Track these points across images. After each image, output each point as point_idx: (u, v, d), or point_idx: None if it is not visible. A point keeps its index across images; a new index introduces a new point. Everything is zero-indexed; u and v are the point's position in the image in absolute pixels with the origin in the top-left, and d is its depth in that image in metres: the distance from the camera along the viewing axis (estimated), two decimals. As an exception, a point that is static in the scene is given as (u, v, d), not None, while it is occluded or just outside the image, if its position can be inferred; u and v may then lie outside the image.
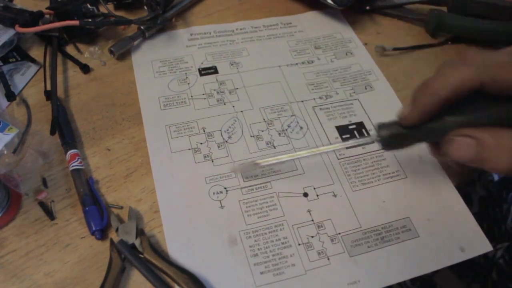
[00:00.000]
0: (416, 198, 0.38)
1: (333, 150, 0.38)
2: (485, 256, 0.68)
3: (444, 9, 0.54)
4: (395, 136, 0.33)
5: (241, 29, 0.54)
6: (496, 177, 0.77)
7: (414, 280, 0.73)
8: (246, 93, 0.46)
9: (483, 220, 0.73)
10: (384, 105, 0.46)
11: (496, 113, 0.29)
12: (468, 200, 0.76)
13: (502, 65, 0.28)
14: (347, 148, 0.41)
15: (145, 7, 0.53)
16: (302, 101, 0.46)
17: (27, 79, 0.47)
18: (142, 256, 0.33)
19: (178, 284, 0.32)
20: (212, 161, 0.40)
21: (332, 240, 0.36)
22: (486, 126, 0.29)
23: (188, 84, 0.47)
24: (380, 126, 0.33)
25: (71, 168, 0.38)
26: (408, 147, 0.33)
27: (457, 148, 0.30)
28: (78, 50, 0.50)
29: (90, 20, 0.48)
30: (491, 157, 0.28)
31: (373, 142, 0.34)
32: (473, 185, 0.77)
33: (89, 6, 0.50)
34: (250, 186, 0.38)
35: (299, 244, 0.35)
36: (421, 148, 0.42)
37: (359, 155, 0.41)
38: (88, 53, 0.49)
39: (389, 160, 0.41)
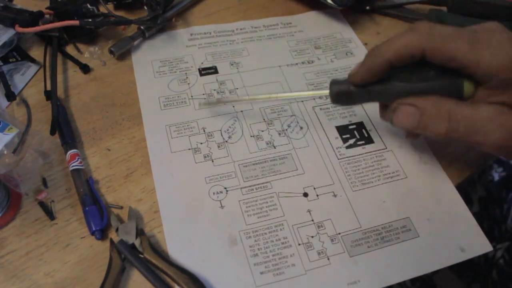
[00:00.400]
0: (416, 198, 0.38)
1: (300, 97, 0.42)
2: (485, 256, 0.68)
3: (444, 9, 0.54)
4: (344, 93, 0.35)
5: (241, 29, 0.54)
6: (496, 177, 0.77)
7: (414, 280, 0.73)
8: (246, 93, 0.46)
9: (483, 220, 0.73)
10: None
11: (439, 83, 0.32)
12: (468, 200, 0.76)
13: (445, 36, 0.30)
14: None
15: (145, 7, 0.53)
16: (302, 101, 0.46)
17: (27, 79, 0.47)
18: (142, 256, 0.33)
19: (178, 284, 0.32)
20: (212, 161, 0.40)
21: (332, 240, 0.36)
22: (429, 95, 0.32)
23: (188, 84, 0.47)
24: (332, 83, 0.36)
25: (71, 168, 0.38)
26: (357, 105, 0.36)
27: (401, 115, 0.33)
28: (78, 50, 0.50)
29: (90, 20, 0.48)
30: (431, 124, 0.31)
31: (326, 96, 0.36)
32: (473, 185, 0.77)
33: (89, 6, 0.50)
34: (250, 186, 0.38)
35: (299, 244, 0.35)
36: (421, 148, 0.42)
37: (359, 155, 0.41)
38: (88, 53, 0.49)
39: (389, 160, 0.41)
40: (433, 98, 0.31)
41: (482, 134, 0.30)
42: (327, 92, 0.36)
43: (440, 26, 0.31)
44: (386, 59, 0.32)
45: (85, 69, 0.47)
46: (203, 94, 0.46)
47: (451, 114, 0.31)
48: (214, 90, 0.46)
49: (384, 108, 0.37)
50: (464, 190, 0.75)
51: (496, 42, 0.29)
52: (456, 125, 0.31)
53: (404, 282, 0.71)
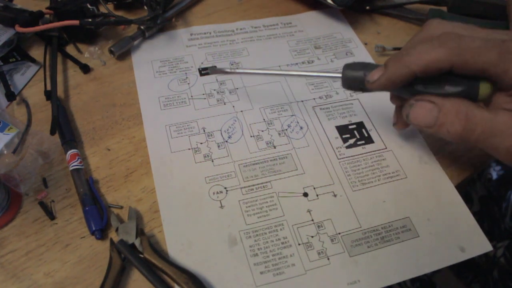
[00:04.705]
0: (416, 198, 0.38)
1: (301, 75, 0.41)
2: (486, 255, 0.68)
3: (444, 9, 0.54)
4: (357, 80, 0.35)
5: (241, 29, 0.54)
6: (494, 176, 0.77)
7: (414, 280, 0.74)
8: (246, 93, 0.46)
9: (484, 219, 0.73)
10: (384, 105, 0.45)
11: (459, 88, 0.31)
12: (468, 199, 0.76)
13: (474, 50, 0.30)
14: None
15: (145, 7, 0.53)
16: (302, 101, 0.46)
17: (27, 79, 0.47)
18: (142, 256, 0.33)
19: (178, 284, 0.32)
20: (212, 161, 0.40)
21: (332, 240, 0.36)
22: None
23: (188, 84, 0.47)
24: (347, 66, 0.36)
25: (71, 168, 0.38)
26: (368, 92, 0.36)
27: (419, 111, 0.32)
28: (78, 50, 0.50)
29: (90, 20, 0.48)
30: (448, 123, 0.31)
31: (337, 78, 0.37)
32: (473, 184, 0.77)
33: (89, 6, 0.50)
34: (250, 186, 0.38)
35: (299, 244, 0.35)
36: (421, 148, 0.42)
37: (359, 155, 0.41)
38: (88, 53, 0.49)
39: (389, 160, 0.41)
40: (452, 98, 0.31)
41: (498, 138, 0.30)
42: (334, 74, 0.37)
43: (469, 39, 0.30)
44: (412, 71, 0.31)
45: (85, 69, 0.47)
46: (203, 94, 0.46)
47: (469, 115, 0.31)
48: (214, 90, 0.46)
49: (399, 109, 0.37)
50: (464, 189, 0.76)
51: None
52: (474, 126, 0.30)
53: (404, 282, 0.72)
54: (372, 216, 0.37)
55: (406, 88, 0.33)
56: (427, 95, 0.32)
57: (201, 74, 0.48)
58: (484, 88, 0.31)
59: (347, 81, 0.36)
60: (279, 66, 0.49)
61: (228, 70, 0.44)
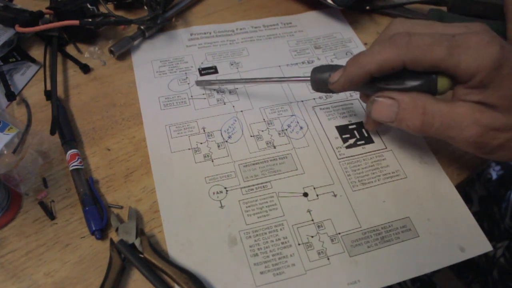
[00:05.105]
0: (416, 198, 0.38)
1: (273, 81, 0.45)
2: (485, 255, 0.68)
3: (444, 9, 0.54)
4: (324, 82, 0.37)
5: (241, 29, 0.54)
6: (494, 176, 0.77)
7: (414, 280, 0.74)
8: (246, 93, 0.46)
9: (483, 219, 0.73)
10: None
11: (418, 82, 0.33)
12: (468, 199, 0.76)
13: (422, 47, 0.31)
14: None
15: (145, 7, 0.53)
16: (302, 101, 0.46)
17: (27, 79, 0.47)
18: (142, 256, 0.33)
19: (178, 284, 0.32)
20: (212, 161, 0.40)
21: (332, 240, 0.36)
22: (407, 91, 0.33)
23: (188, 84, 0.47)
24: (314, 69, 0.38)
25: (71, 168, 0.38)
26: (335, 93, 0.39)
27: (380, 107, 0.34)
28: (78, 50, 0.50)
29: (90, 20, 0.48)
30: (407, 117, 0.33)
31: (307, 82, 0.39)
32: (473, 184, 0.77)
33: (89, 6, 0.50)
34: (250, 186, 0.38)
35: (299, 244, 0.35)
36: (421, 148, 0.42)
37: (359, 155, 0.41)
38: (88, 53, 0.49)
39: (389, 160, 0.41)
40: (411, 93, 0.33)
41: (456, 129, 0.32)
42: (304, 78, 0.39)
43: (418, 37, 0.31)
44: (367, 71, 0.33)
45: (85, 69, 0.47)
46: (203, 94, 0.46)
47: (427, 109, 0.32)
48: (214, 90, 0.46)
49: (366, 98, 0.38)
50: (464, 189, 0.76)
51: (473, 44, 0.30)
52: (432, 119, 0.32)
53: (405, 282, 0.72)
54: (372, 216, 0.37)
55: (369, 86, 0.34)
56: (387, 91, 0.34)
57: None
58: (442, 82, 0.32)
59: (315, 84, 0.38)
60: (279, 66, 0.49)
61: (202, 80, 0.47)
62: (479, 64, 0.30)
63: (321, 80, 0.37)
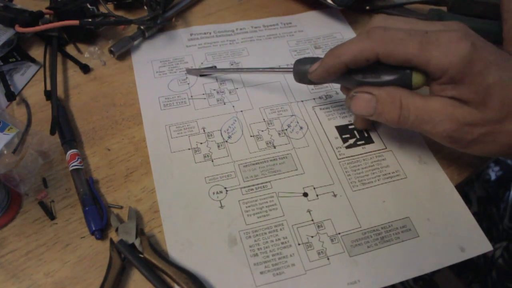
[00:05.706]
0: (416, 198, 0.38)
1: (258, 71, 0.46)
2: (484, 255, 0.68)
3: (444, 9, 0.54)
4: (304, 73, 0.38)
5: (241, 29, 0.54)
6: (493, 176, 0.77)
7: (416, 279, 0.74)
8: (246, 93, 0.46)
9: (482, 220, 0.73)
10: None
11: (393, 76, 0.34)
12: (467, 200, 0.76)
13: (396, 41, 0.32)
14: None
15: (145, 7, 0.53)
16: (302, 101, 0.46)
17: (27, 79, 0.47)
18: (142, 256, 0.33)
19: (178, 284, 0.32)
20: (212, 161, 0.40)
21: (332, 240, 0.36)
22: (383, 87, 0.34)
23: (188, 84, 0.47)
24: (297, 62, 0.39)
25: (71, 168, 0.38)
26: (315, 84, 0.41)
27: (359, 102, 0.35)
28: (78, 50, 0.50)
29: (90, 20, 0.48)
30: (385, 111, 0.34)
31: (290, 73, 0.40)
32: (471, 185, 0.77)
33: (89, 6, 0.50)
34: (250, 186, 0.39)
35: (299, 244, 0.35)
36: (421, 148, 0.42)
37: (359, 155, 0.41)
38: (88, 53, 0.49)
39: (389, 160, 0.41)
40: (388, 87, 0.34)
41: (430, 123, 0.33)
42: (287, 69, 0.41)
43: (393, 31, 0.32)
44: (342, 61, 0.34)
45: (85, 69, 0.47)
46: (203, 94, 0.46)
47: (403, 103, 0.33)
48: (214, 90, 0.46)
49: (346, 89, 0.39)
50: (463, 190, 0.76)
51: (445, 41, 0.30)
52: (408, 113, 0.33)
53: (407, 281, 0.72)
54: (372, 216, 0.37)
55: (347, 78, 0.36)
56: (366, 86, 0.35)
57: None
58: (417, 77, 0.33)
59: (297, 75, 0.39)
60: (279, 66, 0.49)
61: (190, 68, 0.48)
62: (449, 60, 0.30)
63: (303, 71, 0.38)
